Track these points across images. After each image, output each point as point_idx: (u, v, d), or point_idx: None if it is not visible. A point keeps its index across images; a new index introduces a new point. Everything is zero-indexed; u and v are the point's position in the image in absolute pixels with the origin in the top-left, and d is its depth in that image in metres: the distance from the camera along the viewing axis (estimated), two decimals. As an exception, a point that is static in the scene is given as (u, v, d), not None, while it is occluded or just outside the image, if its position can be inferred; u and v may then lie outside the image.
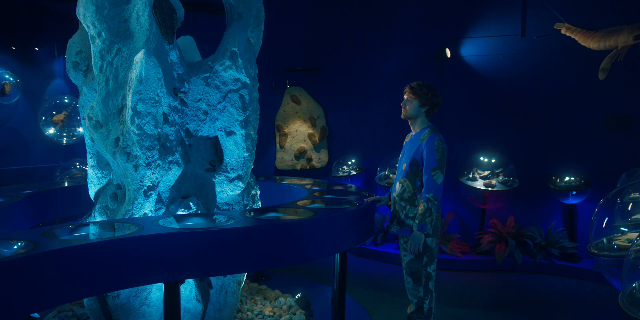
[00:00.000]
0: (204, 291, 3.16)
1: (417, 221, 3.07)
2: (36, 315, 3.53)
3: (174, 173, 3.16)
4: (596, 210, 3.46)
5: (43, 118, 6.80)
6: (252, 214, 3.11)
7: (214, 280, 3.27)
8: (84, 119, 3.30)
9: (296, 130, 7.41)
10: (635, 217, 3.24)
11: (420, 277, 3.17)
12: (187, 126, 3.32)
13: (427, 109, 3.23)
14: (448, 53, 6.24)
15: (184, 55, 3.43)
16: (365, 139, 7.08)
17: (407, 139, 3.39)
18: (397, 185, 3.28)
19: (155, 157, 2.99)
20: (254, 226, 2.69)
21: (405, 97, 3.27)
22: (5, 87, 6.56)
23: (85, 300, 3.18)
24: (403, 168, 3.24)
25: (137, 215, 3.01)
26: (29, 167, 6.93)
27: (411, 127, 3.32)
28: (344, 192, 4.08)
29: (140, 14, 3.01)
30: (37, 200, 4.03)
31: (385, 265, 5.81)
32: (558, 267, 5.47)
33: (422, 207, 3.06)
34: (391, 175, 6.43)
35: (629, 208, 3.29)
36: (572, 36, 5.46)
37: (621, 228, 3.26)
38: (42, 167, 7.00)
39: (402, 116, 3.29)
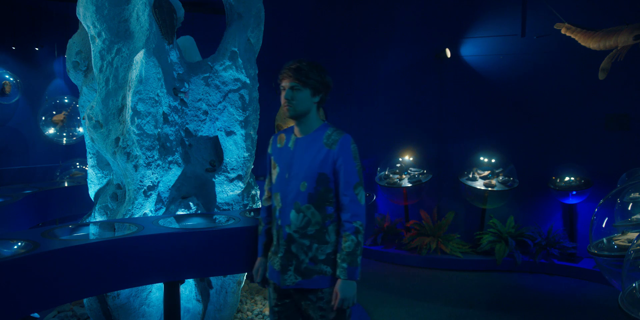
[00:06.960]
0: (204, 291, 3.16)
1: (344, 264, 2.09)
2: (36, 315, 3.53)
3: (174, 173, 3.16)
4: (596, 210, 3.46)
5: (43, 118, 6.80)
6: (252, 214, 3.11)
7: (214, 280, 3.27)
8: (84, 119, 3.30)
9: (296, 130, 7.40)
10: (635, 217, 3.24)
11: None
12: (187, 126, 3.32)
13: (321, 97, 2.23)
14: (448, 53, 6.24)
15: (184, 55, 3.43)
16: (365, 139, 7.07)
17: (279, 143, 2.33)
18: (293, 216, 2.18)
19: (155, 157, 2.99)
20: (253, 226, 2.69)
21: (285, 85, 2.19)
22: (5, 87, 6.57)
23: (85, 300, 3.18)
24: (301, 189, 2.16)
25: (137, 215, 3.01)
26: (29, 167, 6.93)
27: (296, 128, 2.27)
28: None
29: (140, 14, 3.01)
30: (37, 200, 4.03)
31: (385, 265, 5.81)
32: (558, 267, 5.47)
33: (349, 242, 2.09)
34: (391, 175, 6.40)
35: (629, 208, 3.29)
36: (572, 36, 5.47)
37: (621, 228, 3.27)
38: (42, 167, 7.00)
39: (287, 115, 2.21)
